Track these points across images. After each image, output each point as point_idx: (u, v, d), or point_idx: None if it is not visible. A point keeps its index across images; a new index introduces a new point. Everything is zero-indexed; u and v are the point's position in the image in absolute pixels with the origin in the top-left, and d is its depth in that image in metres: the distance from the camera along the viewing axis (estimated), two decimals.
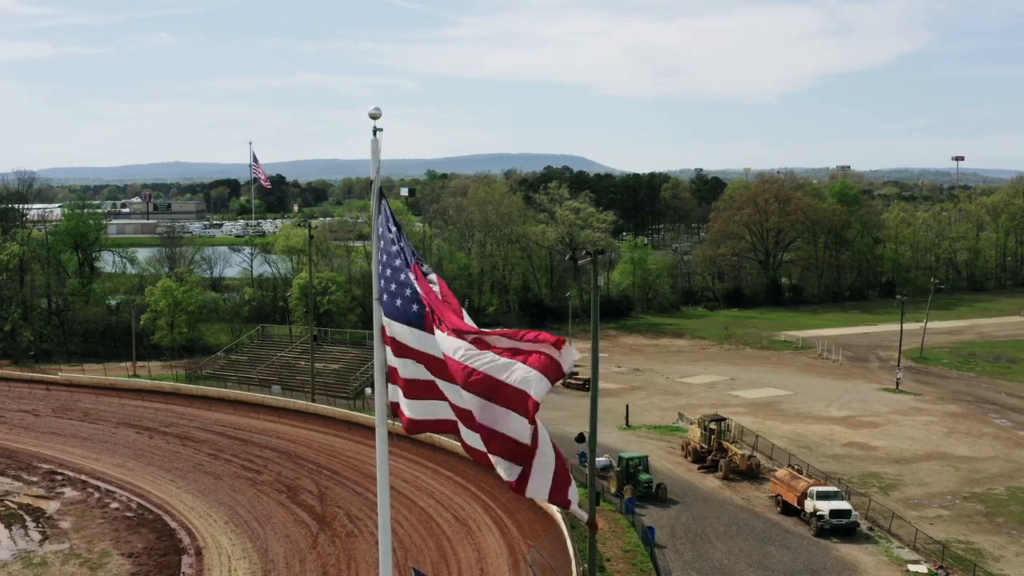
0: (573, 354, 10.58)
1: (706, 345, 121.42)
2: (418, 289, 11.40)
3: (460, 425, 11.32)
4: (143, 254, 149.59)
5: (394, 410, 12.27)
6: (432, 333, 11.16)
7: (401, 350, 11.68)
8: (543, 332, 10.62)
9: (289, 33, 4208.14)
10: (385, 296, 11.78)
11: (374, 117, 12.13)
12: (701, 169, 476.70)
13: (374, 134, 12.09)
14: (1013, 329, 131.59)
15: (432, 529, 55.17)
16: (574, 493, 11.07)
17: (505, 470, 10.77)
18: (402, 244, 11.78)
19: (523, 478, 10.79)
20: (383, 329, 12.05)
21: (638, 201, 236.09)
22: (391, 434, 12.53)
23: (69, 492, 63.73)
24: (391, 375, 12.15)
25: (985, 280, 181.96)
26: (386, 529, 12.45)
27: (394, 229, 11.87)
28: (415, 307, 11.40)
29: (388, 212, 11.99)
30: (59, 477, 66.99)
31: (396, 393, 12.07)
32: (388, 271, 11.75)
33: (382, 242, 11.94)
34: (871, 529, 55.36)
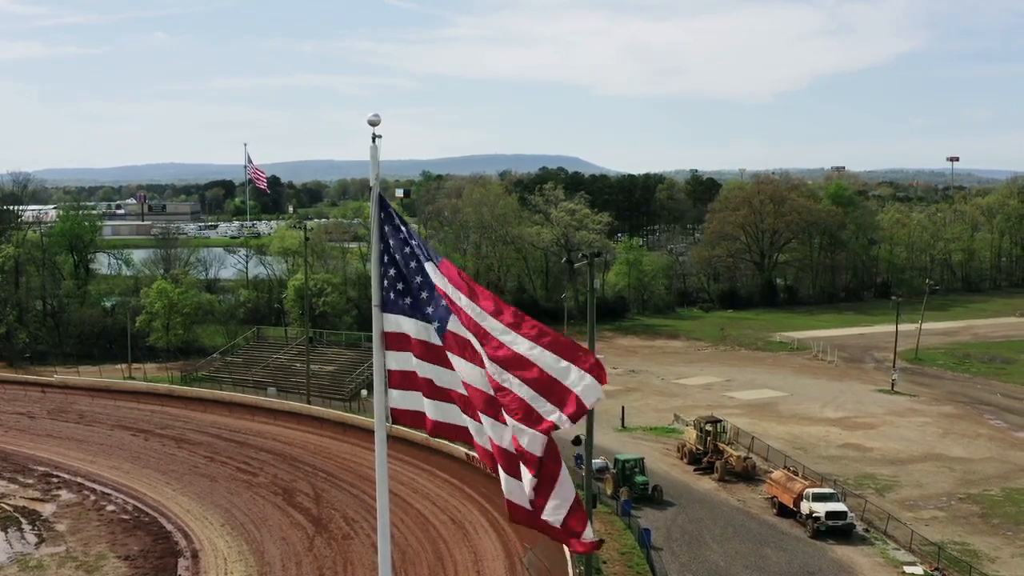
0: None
1: (702, 346, 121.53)
2: (436, 290, 11.39)
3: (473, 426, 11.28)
4: (138, 255, 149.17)
5: (396, 416, 12.28)
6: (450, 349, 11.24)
7: (420, 351, 11.70)
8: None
9: (288, 33, 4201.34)
10: (406, 298, 11.74)
11: (373, 124, 12.07)
12: (696, 170, 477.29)
13: (373, 141, 12.05)
14: (1008, 330, 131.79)
15: (429, 531, 55.20)
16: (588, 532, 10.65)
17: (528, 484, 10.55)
18: (414, 243, 11.73)
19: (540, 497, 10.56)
20: (383, 334, 12.05)
21: (633, 202, 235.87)
22: (387, 436, 12.53)
23: (65, 495, 63.69)
24: (393, 378, 12.15)
25: (980, 281, 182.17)
26: (385, 532, 12.47)
27: (404, 230, 11.83)
28: (433, 307, 11.44)
29: (395, 215, 11.93)
30: (55, 479, 66.93)
31: (417, 398, 12.04)
32: (401, 272, 11.72)
33: (391, 242, 11.85)
34: (867, 531, 55.49)
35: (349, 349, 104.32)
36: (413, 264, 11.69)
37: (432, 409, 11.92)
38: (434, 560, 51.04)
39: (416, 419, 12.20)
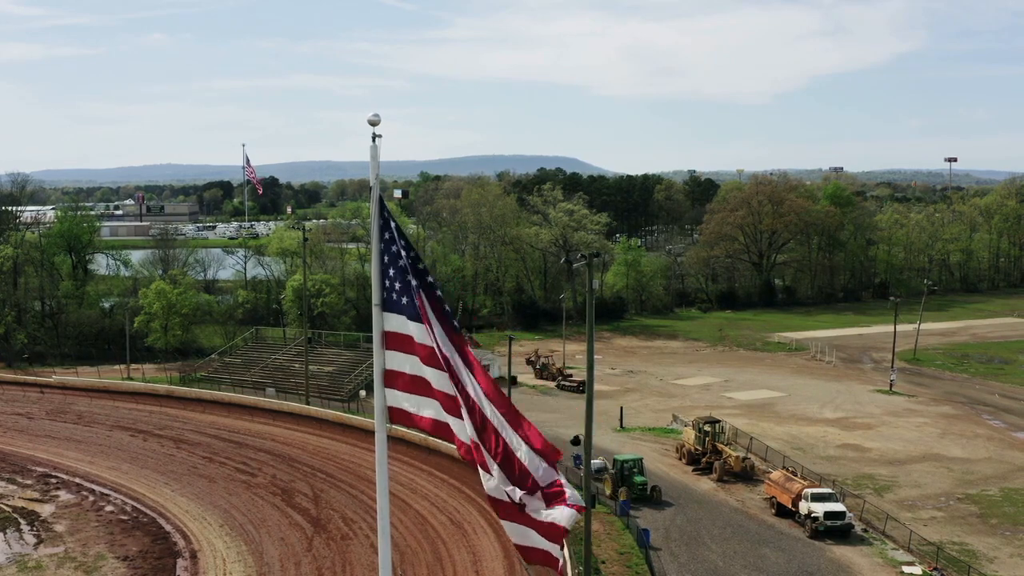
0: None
1: (700, 347, 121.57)
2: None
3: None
4: (136, 256, 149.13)
5: (393, 415, 12.30)
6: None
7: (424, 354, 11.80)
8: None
9: (284, 34, 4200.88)
10: (404, 298, 11.79)
11: (373, 124, 12.07)
12: (694, 170, 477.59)
13: (373, 140, 12.05)
14: (1006, 330, 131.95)
15: (427, 532, 55.20)
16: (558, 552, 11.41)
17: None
18: (412, 255, 11.80)
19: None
20: (383, 334, 12.07)
21: (631, 203, 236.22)
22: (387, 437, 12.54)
23: (64, 495, 63.64)
24: (390, 377, 12.17)
25: (978, 281, 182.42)
26: (385, 533, 12.48)
27: (404, 240, 11.91)
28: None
29: (395, 224, 11.95)
30: (54, 480, 66.89)
31: (414, 399, 12.09)
32: (400, 277, 11.76)
33: (393, 247, 11.88)
34: (865, 531, 55.51)
35: (348, 350, 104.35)
36: (407, 277, 11.77)
37: (429, 410, 11.95)
38: (433, 561, 51.04)
39: (414, 419, 12.23)
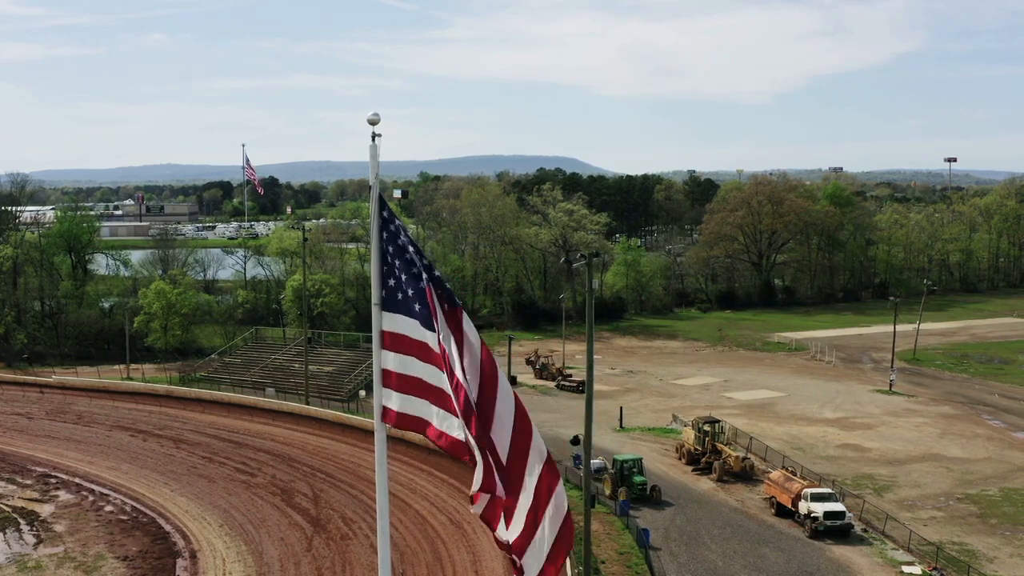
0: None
1: (700, 347, 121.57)
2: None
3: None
4: (136, 256, 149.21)
5: (387, 416, 12.25)
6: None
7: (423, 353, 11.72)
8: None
9: (284, 34, 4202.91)
10: (404, 298, 11.74)
11: (373, 123, 12.03)
12: (694, 171, 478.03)
13: (373, 140, 12.02)
14: (1006, 330, 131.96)
15: (427, 532, 55.21)
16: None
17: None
18: (412, 251, 11.72)
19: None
20: (382, 334, 12.04)
21: (631, 203, 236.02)
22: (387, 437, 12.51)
23: (63, 495, 63.68)
24: (388, 377, 12.13)
25: (978, 281, 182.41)
26: (385, 533, 12.47)
27: (404, 234, 11.84)
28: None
29: (398, 223, 11.91)
30: (53, 480, 66.92)
31: (410, 400, 12.03)
32: (400, 272, 11.70)
33: (391, 247, 11.84)
34: (865, 531, 55.53)
35: (347, 350, 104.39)
36: (413, 271, 11.68)
37: (425, 412, 11.89)
38: (433, 560, 51.06)
39: (407, 421, 12.16)
